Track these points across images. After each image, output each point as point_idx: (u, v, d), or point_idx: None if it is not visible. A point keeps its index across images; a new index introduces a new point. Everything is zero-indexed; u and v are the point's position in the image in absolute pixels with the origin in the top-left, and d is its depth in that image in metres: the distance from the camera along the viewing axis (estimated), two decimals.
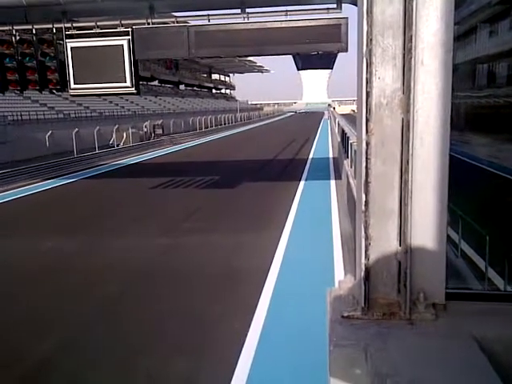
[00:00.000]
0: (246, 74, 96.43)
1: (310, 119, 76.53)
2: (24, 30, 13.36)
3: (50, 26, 13.05)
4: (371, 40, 1.12)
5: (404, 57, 1.13)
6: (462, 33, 13.20)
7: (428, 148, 1.18)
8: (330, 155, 25.85)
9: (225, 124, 57.25)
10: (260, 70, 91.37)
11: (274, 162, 24.38)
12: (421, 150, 1.18)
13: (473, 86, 14.40)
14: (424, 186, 1.19)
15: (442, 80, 1.14)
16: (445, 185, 1.20)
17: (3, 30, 13.37)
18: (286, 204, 13.63)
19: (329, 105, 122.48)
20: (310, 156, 26.31)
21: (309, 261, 8.75)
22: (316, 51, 12.25)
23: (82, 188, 19.09)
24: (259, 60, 77.78)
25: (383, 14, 1.13)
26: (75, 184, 19.67)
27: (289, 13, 12.88)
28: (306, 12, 12.69)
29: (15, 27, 13.23)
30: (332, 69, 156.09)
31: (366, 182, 1.20)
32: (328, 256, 8.84)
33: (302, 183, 17.39)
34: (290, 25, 12.07)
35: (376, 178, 1.20)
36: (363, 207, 1.21)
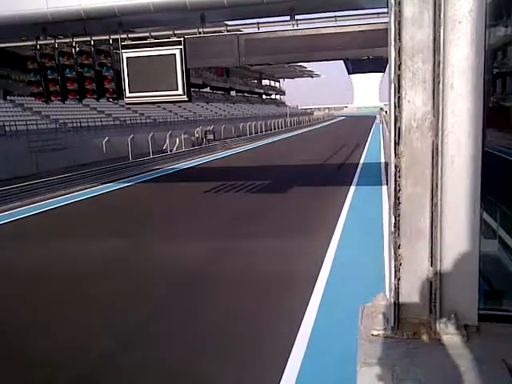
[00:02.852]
0: (295, 79, 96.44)
1: (361, 123, 75.38)
2: (83, 41, 14.01)
3: (107, 37, 13.61)
4: (400, 65, 1.13)
5: (434, 80, 1.14)
6: None
7: (459, 170, 1.18)
8: (382, 160, 25.38)
9: (274, 129, 57.43)
10: (310, 74, 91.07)
11: (324, 167, 24.25)
12: (451, 172, 1.18)
13: None
14: (455, 208, 1.19)
15: (472, 103, 1.14)
16: (477, 206, 1.19)
17: (64, 42, 14.09)
18: (336, 209, 13.54)
19: (381, 108, 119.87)
20: (361, 161, 25.96)
21: (358, 267, 8.65)
22: (366, 56, 12.11)
23: (138, 191, 19.78)
24: (309, 65, 77.50)
25: (413, 39, 1.14)
26: (131, 187, 20.38)
27: (338, 18, 12.80)
28: (355, 17, 12.56)
29: (75, 39, 13.89)
30: (384, 72, 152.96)
31: (396, 204, 1.22)
32: (378, 262, 8.70)
33: (352, 188, 17.21)
34: (340, 30, 11.98)
35: (406, 199, 1.21)
36: (393, 228, 1.22)
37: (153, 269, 9.28)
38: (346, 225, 11.97)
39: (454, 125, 1.18)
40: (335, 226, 11.77)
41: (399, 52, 1.15)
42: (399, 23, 1.10)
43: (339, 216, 12.72)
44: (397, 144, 1.20)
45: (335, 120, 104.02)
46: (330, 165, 25.02)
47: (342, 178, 19.84)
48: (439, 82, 1.14)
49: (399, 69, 1.16)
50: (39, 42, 13.87)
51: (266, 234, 11.42)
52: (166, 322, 6.91)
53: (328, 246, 10.28)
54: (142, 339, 6.39)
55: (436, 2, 1.08)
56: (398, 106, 1.18)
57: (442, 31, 1.13)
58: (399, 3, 1.09)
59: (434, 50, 1.15)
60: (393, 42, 1.16)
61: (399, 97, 1.18)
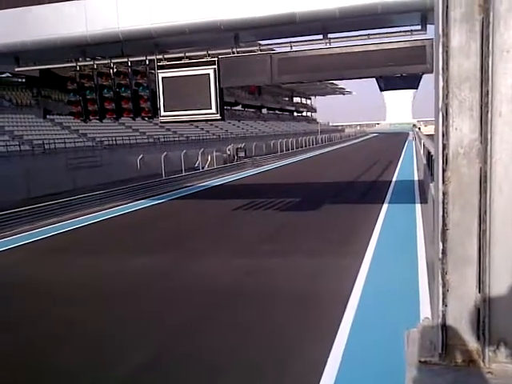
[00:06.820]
0: (327, 96, 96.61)
1: (394, 140, 74.58)
2: (120, 62, 14.46)
3: (144, 58, 14.01)
4: (447, 95, 1.15)
5: (481, 108, 1.15)
6: None
7: (507, 198, 1.18)
8: (415, 178, 25.00)
9: (305, 146, 57.48)
10: (342, 91, 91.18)
11: (356, 185, 24.05)
12: (499, 199, 1.18)
13: None
14: (504, 236, 1.18)
15: None
16: None
17: (103, 64, 14.59)
18: (368, 228, 13.37)
19: (414, 125, 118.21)
20: (394, 179, 25.62)
21: (391, 289, 8.48)
22: (400, 74, 12.06)
23: (170, 208, 20.08)
24: (341, 82, 77.43)
25: (460, 68, 1.16)
26: (163, 205, 20.71)
27: (371, 36, 12.83)
28: (389, 35, 12.55)
29: (113, 60, 14.37)
30: (417, 88, 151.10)
31: (444, 230, 1.22)
32: (412, 285, 8.52)
33: (385, 206, 16.98)
34: (373, 48, 11.94)
35: (454, 225, 1.21)
36: (440, 255, 1.22)
37: (180, 285, 9.40)
38: (378, 242, 11.82)
39: (503, 152, 1.19)
40: (367, 244, 11.63)
41: (447, 81, 1.17)
42: (447, 53, 1.13)
43: (370, 237, 12.53)
44: (444, 171, 1.22)
45: (367, 137, 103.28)
46: (361, 182, 24.81)
47: (374, 196, 19.61)
48: (487, 111, 1.15)
49: (447, 97, 1.18)
50: (79, 64, 14.40)
51: (298, 252, 11.39)
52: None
53: (363, 257, 10.33)
54: None
55: (484, 33, 1.10)
56: (446, 133, 1.20)
57: (490, 60, 1.14)
58: (447, 34, 1.11)
59: (482, 79, 1.17)
60: (440, 72, 1.18)
61: (447, 125, 1.19)
